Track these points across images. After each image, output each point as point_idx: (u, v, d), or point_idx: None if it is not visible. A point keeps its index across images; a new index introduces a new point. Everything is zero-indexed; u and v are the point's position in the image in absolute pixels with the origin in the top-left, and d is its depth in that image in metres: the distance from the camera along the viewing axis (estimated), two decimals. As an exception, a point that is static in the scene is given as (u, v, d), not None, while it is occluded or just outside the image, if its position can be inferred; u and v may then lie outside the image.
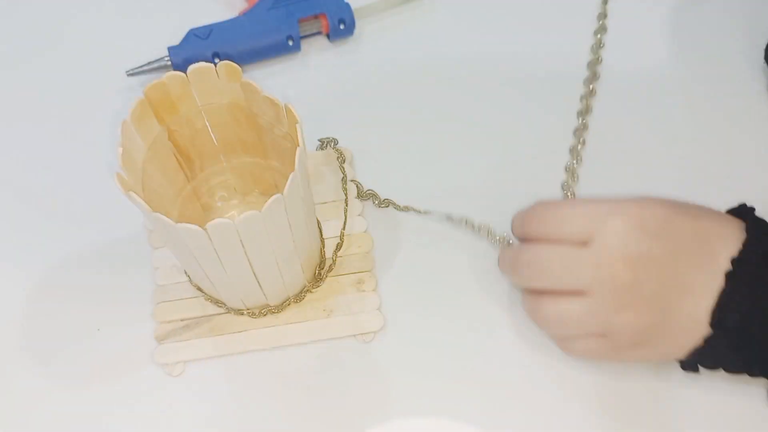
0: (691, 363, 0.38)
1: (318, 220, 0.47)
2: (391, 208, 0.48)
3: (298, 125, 0.36)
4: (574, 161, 0.49)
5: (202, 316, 0.44)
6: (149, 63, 0.52)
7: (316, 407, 0.43)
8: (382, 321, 0.44)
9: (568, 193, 0.48)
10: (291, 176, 0.35)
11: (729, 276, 0.36)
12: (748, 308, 0.35)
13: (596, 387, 0.42)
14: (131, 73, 0.52)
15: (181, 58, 0.51)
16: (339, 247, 0.46)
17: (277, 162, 0.43)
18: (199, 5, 0.56)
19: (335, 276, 0.46)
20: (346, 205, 0.47)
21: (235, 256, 0.37)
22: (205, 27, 0.52)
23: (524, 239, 0.41)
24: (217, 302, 0.44)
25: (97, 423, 0.42)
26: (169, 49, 0.52)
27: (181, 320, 0.44)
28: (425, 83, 0.54)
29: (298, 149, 0.35)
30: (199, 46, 0.51)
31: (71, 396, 0.43)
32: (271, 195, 0.34)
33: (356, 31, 0.55)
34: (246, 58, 0.53)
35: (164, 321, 0.44)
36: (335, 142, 0.48)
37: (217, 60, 0.51)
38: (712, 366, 0.38)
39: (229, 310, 0.44)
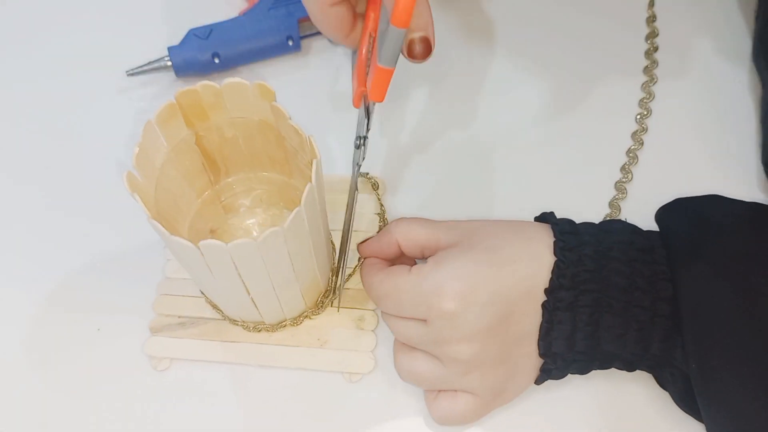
0: (541, 381, 0.41)
1: (334, 248, 0.46)
2: None
3: (315, 161, 0.35)
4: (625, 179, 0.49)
5: (198, 318, 0.45)
6: (149, 63, 0.52)
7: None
8: (373, 364, 0.43)
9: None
10: (294, 211, 0.34)
11: (544, 306, 0.38)
12: (569, 332, 0.38)
13: (598, 393, 0.42)
14: (131, 73, 0.52)
15: (181, 58, 0.51)
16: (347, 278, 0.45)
17: (300, 184, 0.42)
18: (199, 5, 0.56)
19: (342, 309, 0.45)
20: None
21: (228, 276, 0.36)
22: (205, 27, 0.52)
23: None
24: (215, 307, 0.44)
25: (77, 404, 0.43)
26: (169, 49, 0.51)
27: (179, 317, 0.45)
28: (425, 83, 0.52)
29: (308, 185, 0.35)
30: (199, 46, 0.51)
31: (56, 376, 0.44)
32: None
33: None
34: (246, 58, 0.53)
35: (162, 314, 0.45)
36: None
37: (216, 60, 0.51)
38: (559, 378, 0.41)
39: (226, 317, 0.44)
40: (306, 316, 0.44)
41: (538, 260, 0.38)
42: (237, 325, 0.44)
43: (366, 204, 0.48)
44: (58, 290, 0.46)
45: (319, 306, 0.44)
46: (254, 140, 0.41)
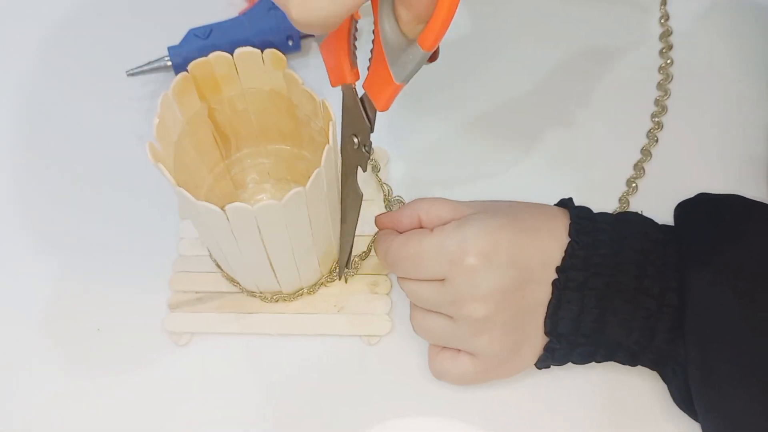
0: (541, 366, 0.41)
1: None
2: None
3: (331, 123, 0.36)
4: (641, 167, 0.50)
5: (216, 292, 0.45)
6: (149, 63, 0.52)
7: (310, 399, 0.43)
8: (390, 325, 0.44)
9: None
10: (315, 172, 0.35)
11: (554, 284, 0.39)
12: (576, 313, 0.39)
13: (599, 386, 0.43)
14: (131, 73, 0.52)
15: (181, 58, 0.51)
16: (365, 255, 0.46)
17: (311, 154, 0.43)
18: (199, 5, 0.56)
19: (352, 275, 0.46)
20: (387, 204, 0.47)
21: (251, 241, 0.37)
22: (205, 27, 0.52)
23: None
24: (232, 281, 0.45)
25: (100, 382, 0.44)
26: (169, 49, 0.52)
27: (196, 292, 0.45)
28: (424, 82, 0.52)
29: (327, 146, 0.36)
30: (199, 46, 0.51)
31: (78, 356, 0.44)
32: (304, 184, 0.34)
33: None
34: None
35: (179, 290, 0.45)
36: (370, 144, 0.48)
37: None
38: (559, 364, 0.42)
39: (243, 290, 0.45)
40: (322, 284, 0.45)
41: (556, 237, 0.39)
42: (255, 296, 0.45)
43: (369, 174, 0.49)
44: (73, 273, 0.47)
45: (333, 273, 0.45)
46: (265, 112, 0.42)
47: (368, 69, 0.35)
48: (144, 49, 0.52)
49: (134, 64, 0.52)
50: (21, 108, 0.53)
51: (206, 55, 0.50)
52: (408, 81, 0.34)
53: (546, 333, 0.39)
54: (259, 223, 0.36)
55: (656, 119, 0.51)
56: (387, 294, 0.45)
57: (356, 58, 0.36)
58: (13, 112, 0.53)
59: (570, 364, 0.42)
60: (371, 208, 0.48)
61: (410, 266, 0.40)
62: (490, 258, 0.38)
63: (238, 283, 0.45)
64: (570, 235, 0.39)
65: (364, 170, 0.40)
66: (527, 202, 0.42)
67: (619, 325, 0.39)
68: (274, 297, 0.44)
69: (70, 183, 0.50)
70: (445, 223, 0.40)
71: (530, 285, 0.39)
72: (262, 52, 0.38)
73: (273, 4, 0.52)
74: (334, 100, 0.37)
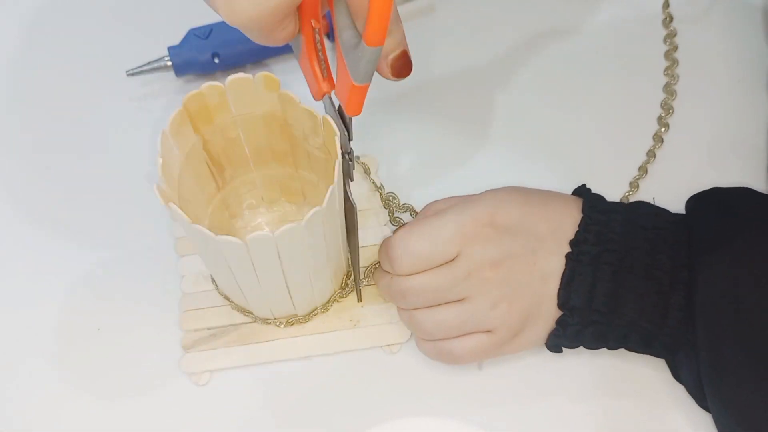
0: (553, 344, 0.41)
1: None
2: (408, 214, 0.48)
3: (336, 137, 0.36)
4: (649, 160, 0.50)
5: (229, 325, 0.44)
6: (149, 63, 0.51)
7: (341, 418, 0.43)
8: (408, 333, 0.44)
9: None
10: (330, 188, 0.35)
11: (568, 257, 0.39)
12: (589, 286, 0.39)
13: (608, 379, 0.43)
14: (131, 73, 0.52)
15: (181, 58, 0.51)
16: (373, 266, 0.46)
17: (309, 172, 0.43)
18: (199, 5, 0.55)
19: (364, 284, 0.46)
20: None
21: (271, 268, 0.37)
22: (205, 27, 0.52)
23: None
24: (243, 311, 0.44)
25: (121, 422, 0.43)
26: (169, 49, 0.51)
27: (208, 329, 0.44)
28: (425, 83, 0.53)
29: (336, 161, 0.35)
30: (199, 46, 0.51)
31: (98, 406, 0.43)
32: (298, 204, 0.34)
33: None
34: (245, 58, 0.53)
35: (191, 329, 0.44)
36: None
37: (216, 60, 0.51)
38: (571, 345, 0.41)
39: (256, 319, 0.44)
40: (334, 299, 0.45)
41: (568, 212, 0.41)
42: (269, 324, 0.44)
43: (361, 183, 0.49)
44: (75, 313, 0.46)
45: (344, 287, 0.45)
46: (258, 135, 0.41)
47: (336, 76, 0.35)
48: (144, 49, 0.52)
49: (134, 64, 0.52)
50: (21, 108, 0.53)
51: (206, 54, 0.50)
52: (366, 81, 0.33)
53: (559, 305, 0.40)
54: (279, 248, 0.35)
55: (663, 120, 0.51)
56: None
57: (327, 67, 0.36)
58: (12, 112, 0.53)
59: (581, 351, 0.42)
60: (372, 218, 0.48)
61: (422, 256, 0.40)
62: (500, 224, 0.39)
63: (250, 312, 0.44)
64: (583, 211, 0.41)
65: (351, 179, 0.40)
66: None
67: (632, 300, 0.39)
68: (289, 321, 0.44)
69: (70, 183, 0.50)
70: None
71: (541, 253, 0.40)
72: (253, 76, 0.37)
73: None
74: (305, 103, 0.38)
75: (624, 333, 0.40)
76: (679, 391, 0.42)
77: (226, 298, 0.44)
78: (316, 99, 0.37)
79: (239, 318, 0.44)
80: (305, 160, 0.42)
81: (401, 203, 0.48)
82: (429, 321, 0.41)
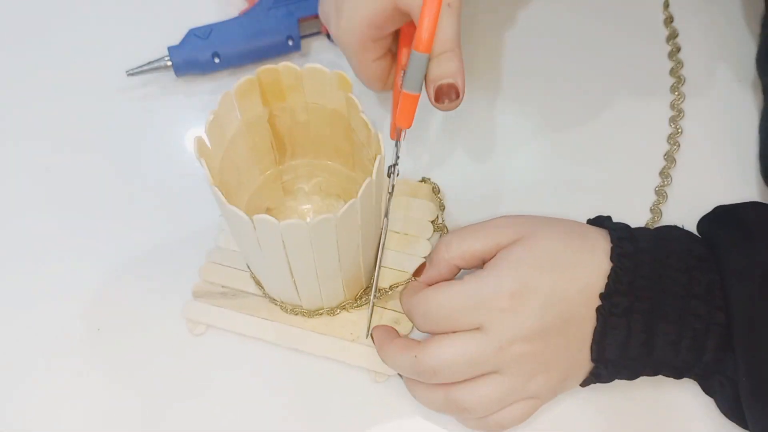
0: (586, 384, 0.41)
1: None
2: None
3: (379, 157, 0.36)
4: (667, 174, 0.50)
5: (241, 291, 0.46)
6: (149, 63, 0.52)
7: (304, 421, 0.43)
8: (400, 367, 0.43)
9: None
10: (350, 202, 0.35)
11: (599, 311, 0.38)
12: (624, 338, 0.38)
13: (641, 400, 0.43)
14: (131, 73, 0.52)
15: (181, 58, 0.52)
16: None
17: (362, 178, 0.43)
18: (199, 5, 0.56)
19: (377, 307, 0.45)
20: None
21: (276, 254, 0.37)
22: (205, 27, 0.52)
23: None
24: (258, 284, 0.45)
25: (112, 359, 0.45)
26: (169, 49, 0.52)
27: (222, 286, 0.46)
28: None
29: (367, 180, 0.35)
30: (199, 46, 0.52)
31: (98, 330, 0.45)
32: None
33: None
34: (246, 58, 0.53)
35: (207, 280, 0.46)
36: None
37: (217, 60, 0.52)
38: (606, 382, 0.41)
39: (266, 295, 0.45)
40: (343, 308, 0.45)
41: (597, 266, 0.39)
42: (276, 304, 0.45)
43: (421, 208, 0.48)
44: (111, 259, 0.48)
45: (358, 300, 0.45)
46: (324, 128, 0.42)
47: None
48: (144, 49, 0.53)
49: (134, 64, 0.52)
50: (21, 108, 0.54)
51: (206, 54, 0.51)
52: (415, 89, 0.37)
53: (592, 359, 0.39)
54: (284, 238, 0.35)
55: (674, 124, 0.51)
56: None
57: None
58: (12, 112, 0.54)
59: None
60: (415, 245, 0.47)
61: (443, 315, 0.38)
62: (528, 299, 0.37)
63: (263, 287, 0.45)
64: (612, 259, 0.39)
65: (390, 193, 0.41)
66: (564, 224, 0.41)
67: (666, 347, 0.38)
68: (294, 309, 0.44)
69: (70, 184, 0.50)
70: (483, 258, 0.40)
71: (575, 320, 0.38)
72: (329, 71, 0.38)
73: (273, 3, 0.53)
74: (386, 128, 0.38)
75: (657, 369, 0.40)
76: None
77: (248, 266, 0.46)
78: (391, 137, 0.40)
79: (252, 288, 0.45)
80: (361, 167, 0.42)
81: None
82: (471, 397, 0.38)
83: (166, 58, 0.52)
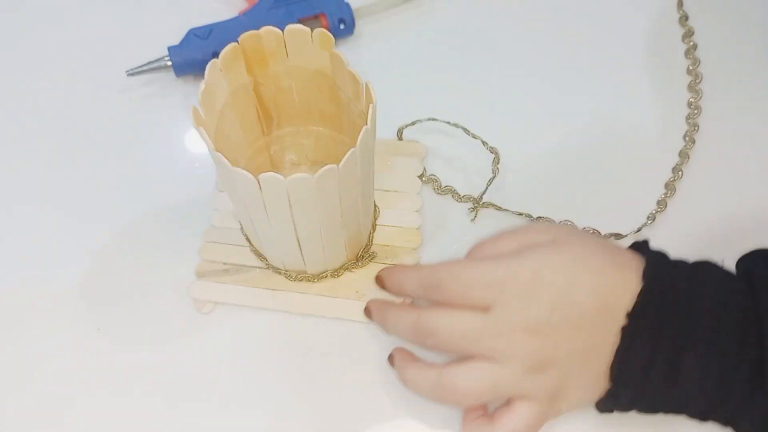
0: (604, 408, 0.39)
1: (376, 206, 0.47)
2: (449, 197, 0.49)
3: (371, 105, 0.37)
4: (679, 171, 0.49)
5: (243, 265, 0.46)
6: (149, 63, 0.52)
7: (322, 382, 0.43)
8: (409, 317, 0.44)
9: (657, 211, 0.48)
10: (350, 151, 0.36)
11: (624, 330, 0.37)
12: (647, 362, 0.36)
13: None
14: (131, 73, 0.52)
15: (181, 58, 0.52)
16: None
17: (350, 138, 0.44)
18: (199, 5, 0.56)
19: (377, 263, 0.46)
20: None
21: (281, 214, 0.38)
22: (205, 27, 0.52)
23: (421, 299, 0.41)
24: (260, 256, 0.46)
25: (120, 342, 0.45)
26: (169, 49, 0.52)
27: (224, 263, 0.46)
28: (425, 84, 0.54)
29: (364, 128, 0.36)
30: (199, 46, 0.52)
31: (103, 316, 0.46)
32: None
33: (356, 30, 0.55)
34: None
35: (207, 260, 0.46)
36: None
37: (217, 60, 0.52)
38: (624, 411, 0.39)
39: (269, 266, 0.46)
40: (346, 269, 0.45)
41: (624, 282, 0.37)
42: (280, 273, 0.45)
43: (406, 165, 0.49)
44: (106, 239, 0.48)
45: (359, 260, 0.46)
46: (308, 91, 0.43)
47: None
48: (144, 49, 0.53)
49: (134, 64, 0.52)
50: (21, 108, 0.54)
51: (206, 54, 0.51)
52: None
53: (612, 380, 0.37)
54: (290, 195, 0.36)
55: (691, 120, 0.51)
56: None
57: None
58: (12, 112, 0.54)
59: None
60: (405, 200, 0.48)
61: (456, 291, 0.38)
62: (541, 291, 0.37)
63: (265, 258, 0.45)
64: (644, 278, 0.37)
65: None
66: (597, 238, 0.41)
67: (692, 380, 0.36)
68: (299, 276, 0.45)
69: (69, 184, 0.51)
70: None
71: (586, 327, 0.37)
72: (311, 30, 0.39)
73: (273, 3, 0.53)
74: (380, 84, 0.38)
75: (680, 407, 0.38)
76: None
77: (247, 239, 0.46)
78: None
79: (254, 261, 0.46)
80: (348, 125, 0.43)
81: (442, 185, 0.49)
82: (465, 382, 0.38)
83: (166, 58, 0.52)
